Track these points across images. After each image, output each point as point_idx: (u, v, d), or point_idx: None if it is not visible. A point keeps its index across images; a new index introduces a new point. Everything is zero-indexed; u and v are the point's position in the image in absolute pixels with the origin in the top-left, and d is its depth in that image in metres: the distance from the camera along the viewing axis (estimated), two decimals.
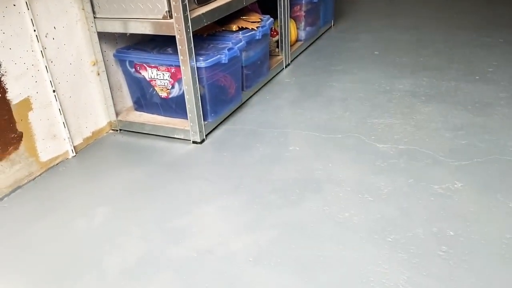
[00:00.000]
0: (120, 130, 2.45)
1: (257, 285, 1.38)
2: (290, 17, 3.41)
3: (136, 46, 2.40)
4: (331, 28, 4.18)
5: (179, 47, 2.05)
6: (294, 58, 3.42)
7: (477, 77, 2.79)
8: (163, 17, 2.04)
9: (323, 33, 4.01)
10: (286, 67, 3.26)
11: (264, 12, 2.95)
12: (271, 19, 2.79)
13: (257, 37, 2.58)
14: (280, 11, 3.10)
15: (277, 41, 3.24)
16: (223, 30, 2.54)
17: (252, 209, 1.74)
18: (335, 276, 1.39)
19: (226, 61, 2.24)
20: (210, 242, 1.59)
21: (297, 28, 3.51)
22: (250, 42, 2.55)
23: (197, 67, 2.13)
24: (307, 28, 3.59)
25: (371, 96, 2.66)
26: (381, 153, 2.06)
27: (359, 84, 2.85)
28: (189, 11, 2.04)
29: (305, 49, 3.62)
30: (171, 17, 2.02)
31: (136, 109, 2.50)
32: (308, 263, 1.45)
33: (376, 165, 1.97)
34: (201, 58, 2.15)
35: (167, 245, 1.59)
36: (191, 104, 2.17)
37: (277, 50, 3.27)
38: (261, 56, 2.76)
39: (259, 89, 2.88)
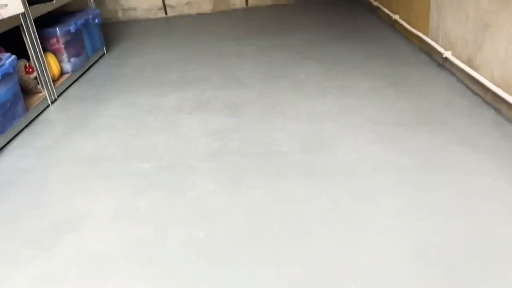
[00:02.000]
0: None
1: None
2: (48, 51, 3.23)
3: None
4: (105, 55, 4.11)
5: None
6: (63, 92, 3.24)
7: (233, 83, 3.08)
8: None
9: (96, 61, 3.90)
10: (52, 103, 3.06)
11: (11, 51, 2.70)
12: (13, 57, 2.57)
13: None
14: (29, 47, 2.88)
15: (36, 78, 3.01)
16: None
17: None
18: None
19: None
20: None
21: (60, 61, 3.33)
22: None
23: None
24: (72, 60, 3.44)
25: (138, 118, 2.68)
26: (142, 173, 2.08)
27: (127, 108, 2.85)
28: None
29: (75, 81, 3.46)
30: None
31: None
32: None
33: (137, 187, 1.98)
34: None
35: None
36: None
37: (38, 87, 3.04)
38: (9, 98, 2.52)
39: (19, 132, 2.63)
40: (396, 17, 3.72)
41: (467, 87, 2.57)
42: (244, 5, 5.56)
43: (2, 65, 2.43)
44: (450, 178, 1.81)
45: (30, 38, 2.88)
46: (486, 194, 1.70)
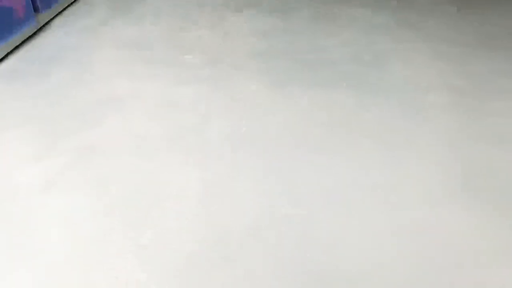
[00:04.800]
0: None
1: (44, 213, 1.30)
2: None
3: None
4: None
5: None
6: None
7: None
8: None
9: None
10: None
11: None
12: None
13: None
14: None
15: None
16: None
17: (42, 138, 1.60)
18: (125, 187, 1.37)
19: None
20: None
21: None
22: None
23: None
24: None
25: (184, 10, 2.57)
26: (187, 64, 2.03)
27: None
28: None
29: None
30: None
31: None
32: (102, 181, 1.40)
33: (181, 77, 1.94)
34: None
35: None
36: None
37: None
38: None
39: (63, 10, 2.58)
40: None
41: None
42: None
43: None
44: (508, 105, 1.70)
45: None
46: None
